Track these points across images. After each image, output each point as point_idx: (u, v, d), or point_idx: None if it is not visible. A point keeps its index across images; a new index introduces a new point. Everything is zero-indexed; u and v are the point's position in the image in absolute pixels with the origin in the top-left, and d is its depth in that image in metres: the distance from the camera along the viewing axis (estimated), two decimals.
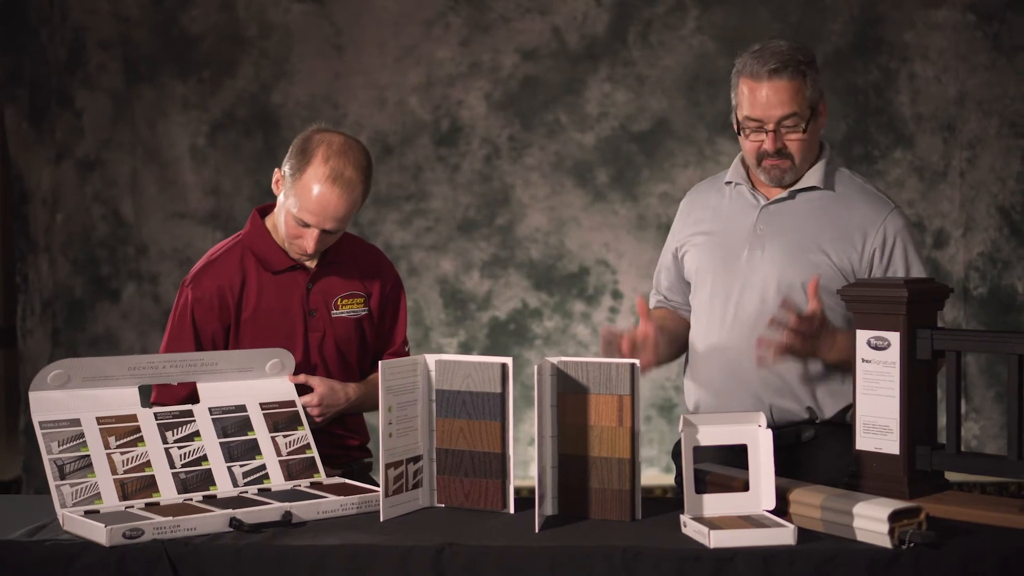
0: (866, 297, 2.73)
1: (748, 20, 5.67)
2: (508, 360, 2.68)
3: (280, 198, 3.04)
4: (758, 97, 2.93)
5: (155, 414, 2.78)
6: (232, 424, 2.84)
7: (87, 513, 2.56)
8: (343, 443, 3.16)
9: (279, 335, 3.05)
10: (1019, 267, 5.61)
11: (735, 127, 3.00)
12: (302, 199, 2.96)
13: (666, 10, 5.70)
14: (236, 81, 5.82)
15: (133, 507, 2.61)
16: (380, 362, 2.64)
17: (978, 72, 5.60)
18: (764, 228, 3.00)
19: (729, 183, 3.09)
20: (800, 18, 5.66)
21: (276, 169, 3.05)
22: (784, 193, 3.01)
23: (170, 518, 2.50)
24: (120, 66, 5.86)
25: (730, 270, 3.01)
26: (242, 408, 2.87)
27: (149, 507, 2.62)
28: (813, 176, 3.00)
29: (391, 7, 5.79)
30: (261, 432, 2.86)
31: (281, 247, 3.08)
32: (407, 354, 3.22)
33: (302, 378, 3.00)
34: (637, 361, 2.61)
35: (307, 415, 2.96)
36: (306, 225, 2.97)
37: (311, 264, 3.10)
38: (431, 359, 2.74)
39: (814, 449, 3.00)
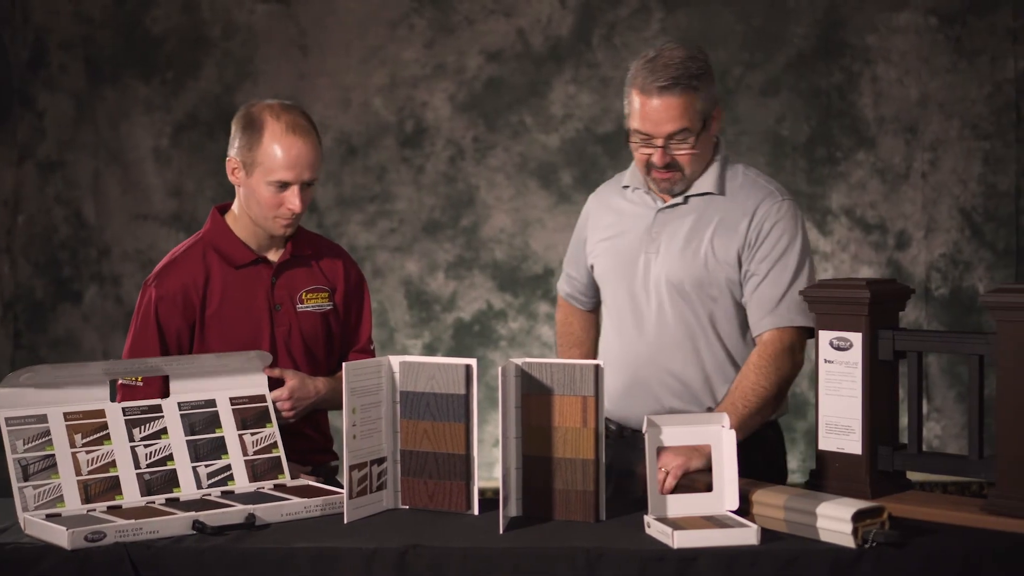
0: (828, 298, 2.75)
1: (711, 23, 5.69)
2: (472, 361, 2.68)
3: (242, 182, 3.01)
4: (648, 112, 2.90)
5: (123, 409, 2.75)
6: (200, 421, 2.82)
7: (49, 516, 2.54)
8: (311, 447, 3.14)
9: (245, 330, 3.04)
10: (980, 268, 5.65)
11: (626, 135, 3.00)
12: (272, 161, 2.95)
13: (630, 12, 5.72)
14: (199, 82, 5.79)
15: (95, 510, 2.60)
16: (344, 364, 2.63)
17: (940, 75, 5.64)
18: (658, 231, 3.00)
19: (627, 187, 3.09)
20: (763, 21, 5.69)
21: (227, 159, 3.03)
22: (680, 199, 3.01)
23: (132, 521, 2.49)
24: (82, 67, 5.82)
25: (628, 275, 3.02)
26: (211, 403, 2.85)
27: (111, 510, 2.60)
28: (707, 181, 2.99)
29: (356, 8, 5.78)
30: (229, 429, 2.84)
31: (243, 242, 3.07)
32: (373, 353, 3.22)
33: (276, 372, 2.99)
34: (600, 362, 2.62)
35: (277, 412, 2.95)
36: (285, 185, 2.96)
37: (274, 258, 3.09)
38: (395, 360, 2.74)
39: None
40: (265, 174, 2.96)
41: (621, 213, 3.08)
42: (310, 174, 2.98)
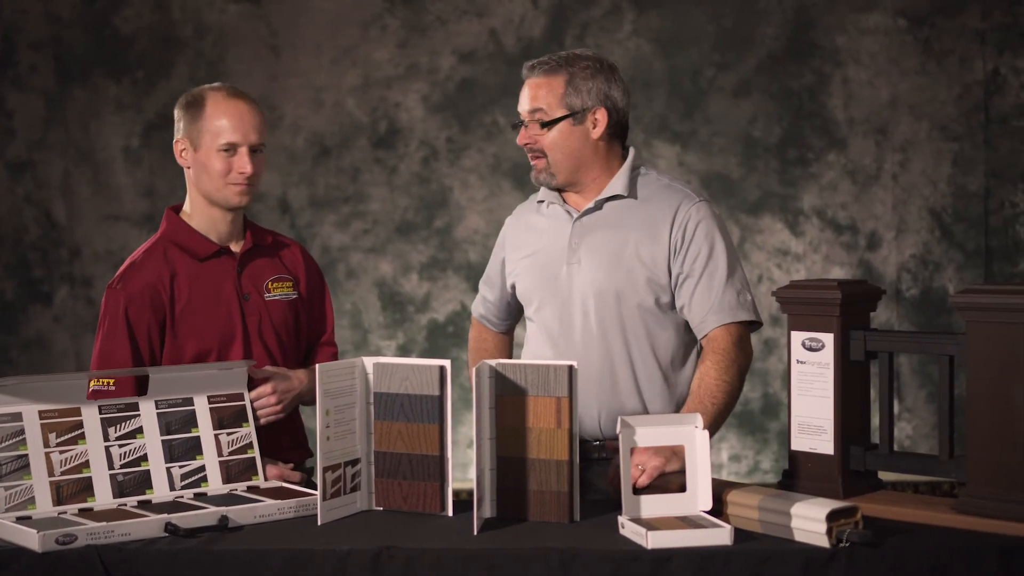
0: (800, 299, 2.76)
1: (683, 24, 5.71)
2: (446, 362, 2.67)
3: (191, 161, 3.03)
4: (521, 94, 3.03)
5: (99, 407, 2.73)
6: (176, 420, 2.80)
7: (19, 519, 2.52)
8: (292, 443, 3.14)
9: (217, 322, 3.03)
10: (950, 268, 5.69)
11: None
12: (217, 127, 2.99)
13: (603, 13, 5.73)
14: (171, 82, 5.76)
15: (67, 512, 2.58)
16: (317, 365, 2.63)
17: (909, 76, 5.68)
18: (578, 241, 3.01)
19: (542, 202, 3.11)
20: (734, 22, 5.71)
21: (175, 142, 3.05)
22: (591, 204, 3.02)
23: (104, 523, 2.47)
24: (52, 66, 5.79)
25: (552, 287, 3.02)
26: (189, 401, 2.83)
27: (83, 512, 2.59)
28: (617, 184, 3.01)
29: (328, 8, 5.77)
30: (205, 429, 2.82)
31: (203, 235, 3.07)
32: (336, 346, 3.25)
33: (257, 371, 2.99)
34: (575, 363, 2.62)
35: (267, 411, 2.95)
36: (233, 148, 2.99)
37: (236, 248, 3.09)
38: (369, 362, 2.73)
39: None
40: (212, 140, 2.99)
41: (539, 229, 3.10)
42: (256, 136, 3.01)
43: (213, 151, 2.99)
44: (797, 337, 2.75)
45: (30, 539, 2.42)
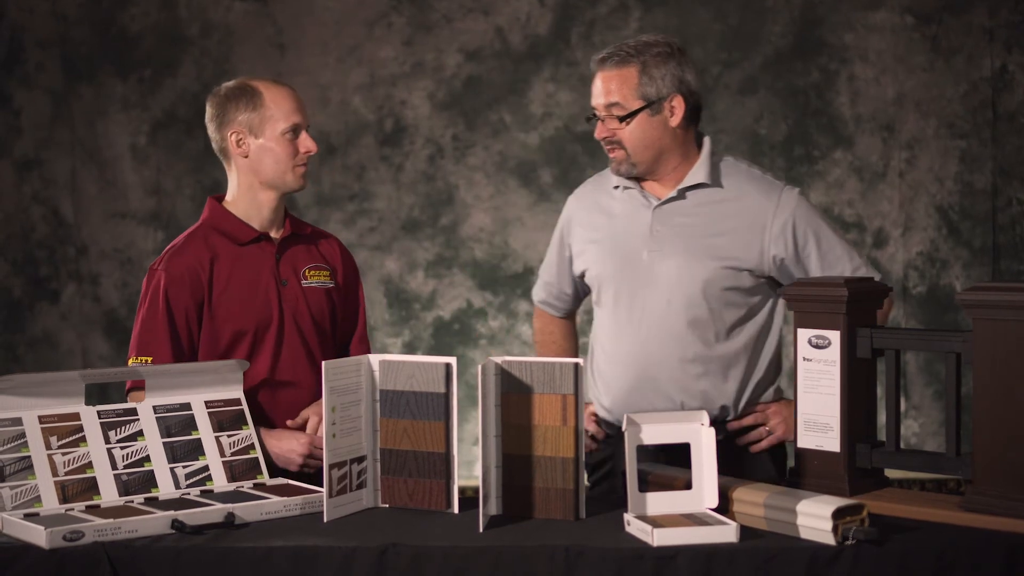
0: (806, 296, 2.75)
1: (689, 21, 5.70)
2: (452, 360, 2.68)
3: (251, 148, 3.08)
4: (593, 87, 3.00)
5: (98, 412, 2.75)
6: (176, 423, 2.82)
7: (27, 516, 2.53)
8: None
9: (254, 306, 3.07)
10: (957, 266, 5.68)
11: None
12: (280, 112, 3.09)
13: (609, 11, 5.72)
14: (177, 80, 5.77)
15: (73, 510, 2.59)
16: (324, 363, 2.64)
17: (916, 73, 5.67)
18: (660, 229, 3.00)
19: (617, 187, 3.09)
20: (740, 20, 5.70)
21: (229, 135, 3.09)
22: (673, 192, 3.02)
23: (111, 520, 2.48)
24: (59, 65, 5.80)
25: (631, 274, 3.02)
26: (187, 406, 2.85)
27: (90, 509, 2.59)
28: (699, 173, 3.01)
29: (333, 6, 5.77)
30: (205, 432, 2.84)
31: (244, 222, 3.11)
32: (369, 343, 3.29)
33: (298, 420, 3.04)
34: (580, 360, 2.62)
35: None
36: (297, 130, 3.10)
37: (276, 235, 3.14)
38: (375, 359, 2.74)
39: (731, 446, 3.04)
40: (277, 125, 3.08)
41: (612, 213, 3.08)
42: (308, 118, 3.15)
43: (278, 135, 3.08)
44: (803, 334, 2.75)
45: (38, 536, 2.42)
